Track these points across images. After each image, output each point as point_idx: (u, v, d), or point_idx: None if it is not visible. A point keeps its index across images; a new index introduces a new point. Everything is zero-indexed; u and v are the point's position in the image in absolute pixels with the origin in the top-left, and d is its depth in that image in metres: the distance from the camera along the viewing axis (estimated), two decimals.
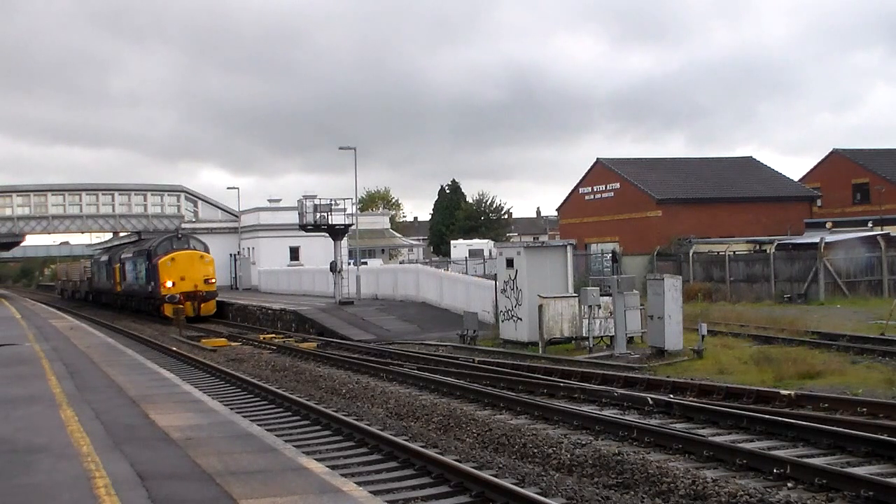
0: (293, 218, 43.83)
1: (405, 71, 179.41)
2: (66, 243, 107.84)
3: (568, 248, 26.10)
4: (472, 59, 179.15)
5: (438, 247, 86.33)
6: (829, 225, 49.12)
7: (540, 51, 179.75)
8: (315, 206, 38.45)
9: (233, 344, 31.23)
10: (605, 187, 55.92)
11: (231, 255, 62.52)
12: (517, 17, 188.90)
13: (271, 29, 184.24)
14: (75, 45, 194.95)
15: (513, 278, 25.09)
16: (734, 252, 41.12)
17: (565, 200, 60.87)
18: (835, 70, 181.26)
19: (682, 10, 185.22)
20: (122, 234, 67.59)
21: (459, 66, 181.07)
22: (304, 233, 42.95)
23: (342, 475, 8.48)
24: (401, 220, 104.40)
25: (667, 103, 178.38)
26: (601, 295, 22.78)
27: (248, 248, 62.89)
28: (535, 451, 11.54)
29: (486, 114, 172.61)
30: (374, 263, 55.79)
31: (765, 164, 60.27)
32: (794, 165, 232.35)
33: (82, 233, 69.47)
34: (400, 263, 60.99)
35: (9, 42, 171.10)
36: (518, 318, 24.72)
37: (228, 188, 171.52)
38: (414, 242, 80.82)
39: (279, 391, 17.44)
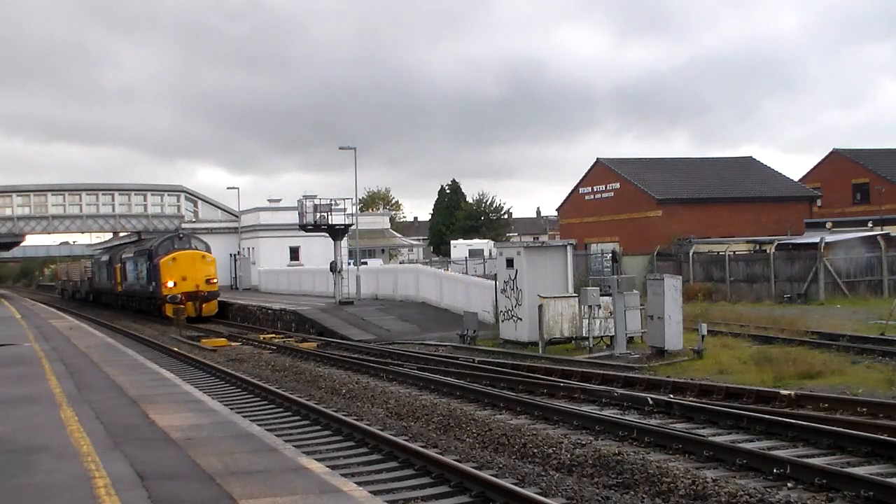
0: (293, 218, 43.84)
1: (404, 67, 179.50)
2: (66, 243, 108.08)
3: (568, 248, 26.09)
4: (471, 53, 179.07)
5: (438, 247, 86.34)
6: (829, 225, 49.14)
7: (541, 45, 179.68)
8: (315, 206, 38.45)
9: (233, 344, 31.22)
10: (605, 187, 55.92)
11: (231, 255, 62.56)
12: (517, 9, 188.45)
13: (267, 23, 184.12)
14: (67, 38, 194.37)
15: (513, 278, 25.09)
16: (734, 252, 41.12)
17: (565, 200, 60.88)
18: (843, 65, 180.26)
19: (686, 1, 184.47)
20: (122, 235, 67.68)
21: (459, 61, 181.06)
22: (304, 233, 42.93)
23: (342, 475, 8.48)
24: (401, 220, 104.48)
25: (670, 99, 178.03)
26: (601, 295, 22.76)
27: (249, 248, 62.92)
28: (535, 451, 11.53)
29: (486, 110, 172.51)
30: (374, 263, 55.79)
31: (765, 163, 60.40)
32: (799, 163, 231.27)
33: (82, 233, 69.59)
34: (400, 263, 60.99)
35: None
36: (518, 318, 24.72)
37: (228, 188, 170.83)
38: (414, 242, 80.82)
39: (279, 391, 17.44)
